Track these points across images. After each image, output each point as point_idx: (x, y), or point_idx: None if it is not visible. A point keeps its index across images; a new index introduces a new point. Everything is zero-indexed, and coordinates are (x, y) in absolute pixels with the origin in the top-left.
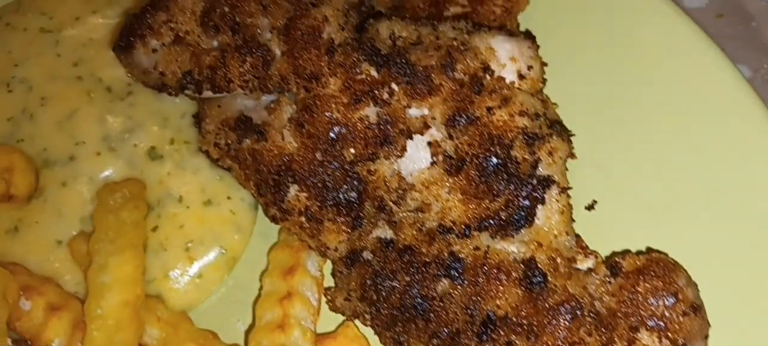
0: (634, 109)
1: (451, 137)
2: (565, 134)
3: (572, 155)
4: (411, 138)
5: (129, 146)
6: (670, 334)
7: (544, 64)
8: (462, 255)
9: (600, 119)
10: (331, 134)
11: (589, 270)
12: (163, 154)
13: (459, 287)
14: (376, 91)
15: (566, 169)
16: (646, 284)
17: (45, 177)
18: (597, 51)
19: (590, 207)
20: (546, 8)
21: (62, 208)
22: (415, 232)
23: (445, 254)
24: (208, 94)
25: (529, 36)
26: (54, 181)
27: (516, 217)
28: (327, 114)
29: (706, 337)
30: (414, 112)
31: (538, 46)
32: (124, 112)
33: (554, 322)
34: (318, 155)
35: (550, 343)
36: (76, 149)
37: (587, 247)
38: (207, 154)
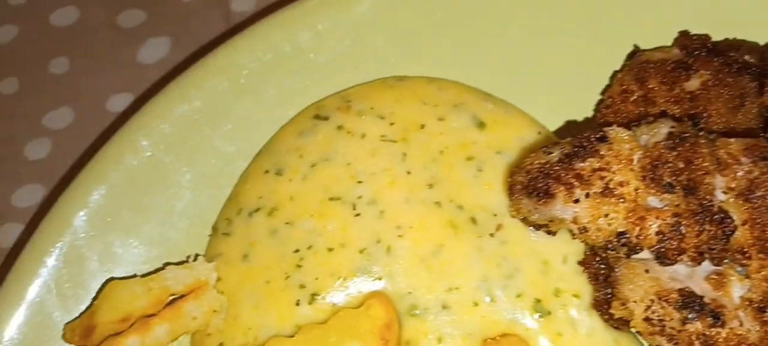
0: None
1: None
2: None
3: None
4: None
5: (510, 296)
6: None
7: None
8: None
9: None
10: None
11: None
12: (551, 309)
13: None
14: None
15: None
16: None
17: (411, 328)
18: None
19: None
20: None
21: None
22: None
23: None
24: (642, 257)
25: None
26: (425, 334)
27: None
28: None
29: None
30: None
31: None
32: (496, 251)
33: None
34: None
35: None
36: (448, 296)
37: None
38: (619, 322)
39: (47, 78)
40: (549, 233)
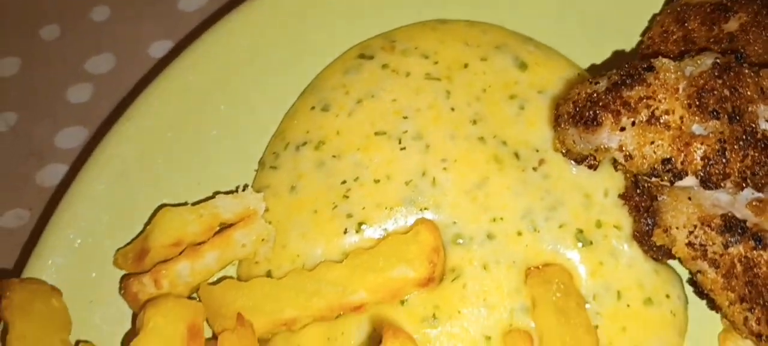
0: None
1: None
2: None
3: None
4: None
5: (553, 227)
6: None
7: None
8: None
9: None
10: None
11: None
12: (592, 239)
13: None
14: None
15: None
16: None
17: (456, 256)
18: None
19: None
20: None
21: (487, 297)
22: None
23: None
24: (685, 184)
25: None
26: (470, 261)
27: None
28: None
29: None
30: None
31: None
32: (539, 185)
33: None
34: None
35: None
36: (493, 226)
37: None
38: (659, 252)
39: (88, 25)
40: (591, 166)
